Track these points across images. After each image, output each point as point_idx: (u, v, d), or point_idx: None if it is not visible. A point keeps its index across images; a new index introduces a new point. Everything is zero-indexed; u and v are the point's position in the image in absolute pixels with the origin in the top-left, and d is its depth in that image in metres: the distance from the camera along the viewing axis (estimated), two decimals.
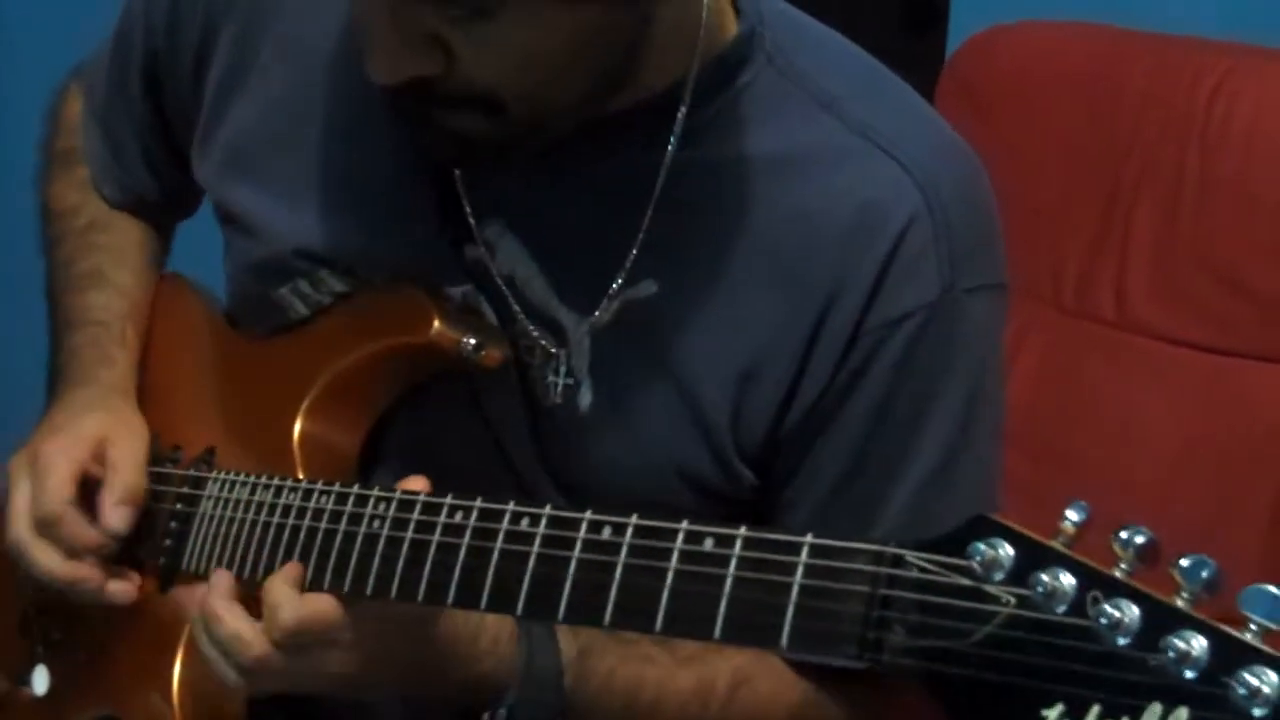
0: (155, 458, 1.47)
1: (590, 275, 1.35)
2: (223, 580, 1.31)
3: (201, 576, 1.37)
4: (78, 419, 1.47)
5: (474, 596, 1.20)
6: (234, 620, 1.28)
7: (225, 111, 1.47)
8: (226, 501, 1.39)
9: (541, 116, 1.27)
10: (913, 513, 1.33)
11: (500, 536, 1.20)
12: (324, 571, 1.28)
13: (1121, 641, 0.95)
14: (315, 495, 1.31)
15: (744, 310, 1.33)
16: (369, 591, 1.26)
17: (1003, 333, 1.40)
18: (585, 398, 1.36)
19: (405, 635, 1.27)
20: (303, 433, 1.40)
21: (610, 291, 1.35)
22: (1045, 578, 0.97)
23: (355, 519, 1.28)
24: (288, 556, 1.31)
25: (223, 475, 1.41)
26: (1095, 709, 0.95)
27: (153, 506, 1.45)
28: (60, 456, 1.43)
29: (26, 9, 2.80)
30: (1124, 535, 0.97)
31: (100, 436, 1.45)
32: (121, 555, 1.44)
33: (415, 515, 1.24)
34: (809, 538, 1.07)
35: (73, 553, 1.42)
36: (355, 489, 1.29)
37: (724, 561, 1.10)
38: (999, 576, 0.99)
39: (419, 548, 1.23)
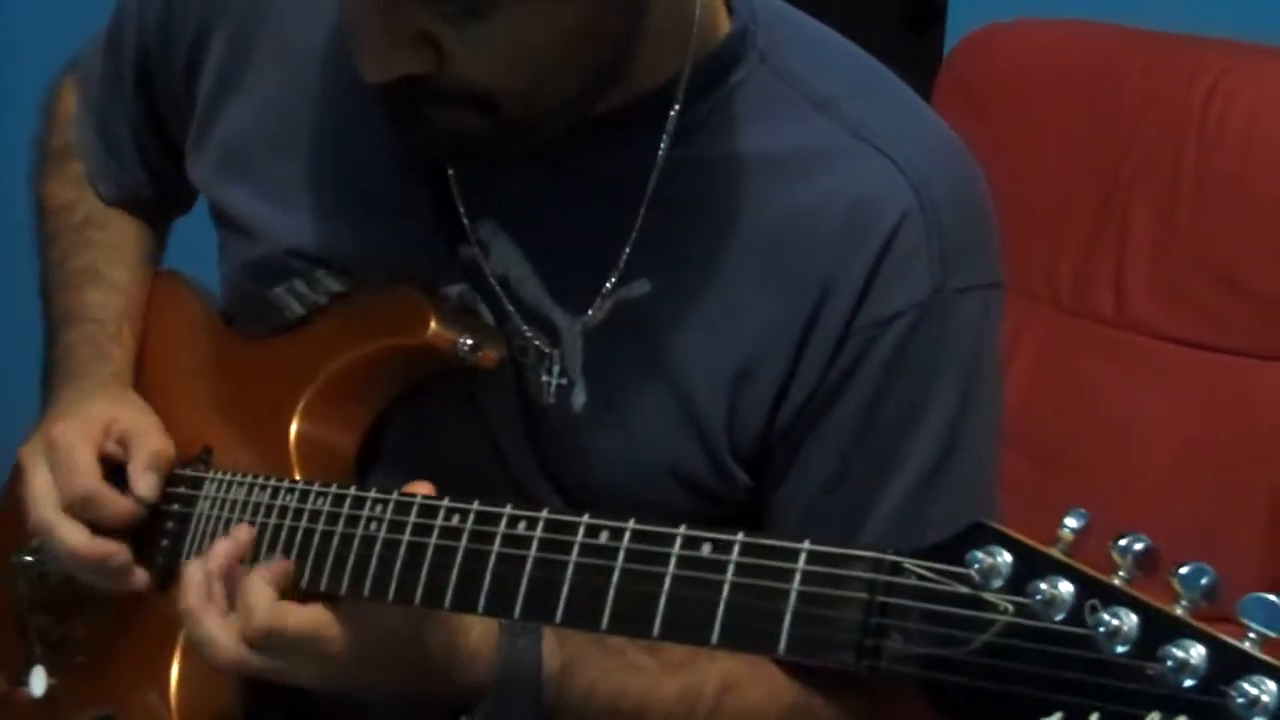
0: None
1: (583, 274, 1.35)
2: (195, 575, 1.31)
3: None
4: (83, 404, 1.47)
5: (472, 599, 1.20)
6: (209, 623, 1.28)
7: (219, 112, 1.46)
8: (223, 502, 1.39)
9: (534, 114, 1.27)
10: (906, 513, 1.33)
11: (497, 540, 1.20)
12: (321, 573, 1.28)
13: (1120, 650, 0.95)
14: (312, 496, 1.31)
15: (737, 309, 1.33)
16: (366, 593, 1.26)
17: (999, 332, 1.39)
18: (579, 397, 1.36)
19: (382, 647, 1.27)
20: (299, 433, 1.40)
21: (603, 291, 1.34)
22: (1044, 586, 0.97)
23: (352, 520, 1.28)
24: (284, 558, 1.31)
25: (220, 475, 1.41)
26: (1094, 718, 0.95)
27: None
28: (79, 438, 1.43)
29: (26, 9, 2.79)
30: (1123, 542, 0.97)
31: (110, 417, 1.45)
32: None
33: (412, 518, 1.24)
34: (807, 544, 1.07)
35: (101, 530, 1.42)
36: (352, 490, 1.29)
37: (721, 567, 1.10)
38: (997, 584, 0.99)
39: (416, 550, 1.23)
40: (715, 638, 1.09)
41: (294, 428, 1.40)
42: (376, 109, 1.31)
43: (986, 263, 1.37)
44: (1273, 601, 0.93)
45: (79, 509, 1.42)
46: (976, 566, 0.99)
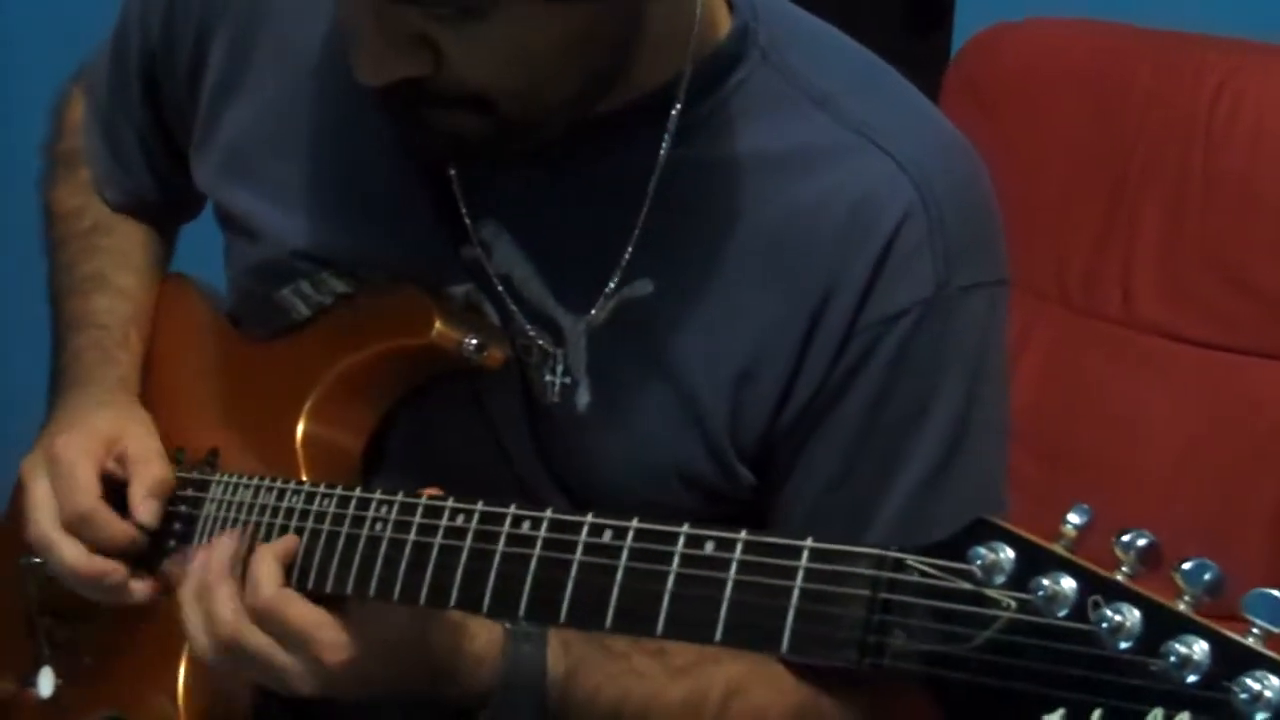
0: None
1: (586, 274, 1.35)
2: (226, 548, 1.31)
3: None
4: (89, 417, 1.47)
5: (476, 599, 1.20)
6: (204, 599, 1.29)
7: (222, 114, 1.46)
8: (230, 504, 1.39)
9: (533, 114, 1.27)
10: (911, 512, 1.33)
11: (502, 539, 1.20)
12: (326, 574, 1.28)
13: (1123, 646, 0.95)
14: (318, 497, 1.31)
15: (740, 309, 1.33)
16: (371, 594, 1.26)
17: (1005, 329, 1.39)
18: (583, 397, 1.36)
19: (386, 652, 1.27)
20: (306, 434, 1.40)
21: (606, 291, 1.34)
22: (1046, 582, 0.97)
23: (358, 521, 1.28)
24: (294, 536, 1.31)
25: (226, 477, 1.41)
26: (1096, 714, 0.95)
27: None
28: (81, 454, 1.43)
29: (26, 9, 2.80)
30: (1126, 538, 0.97)
31: (114, 434, 1.45)
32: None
33: (417, 518, 1.24)
34: (809, 541, 1.07)
35: (98, 549, 1.42)
36: (358, 491, 1.29)
37: (725, 565, 1.10)
38: (1000, 580, 0.99)
39: (421, 550, 1.23)
40: (719, 636, 1.09)
41: (300, 429, 1.40)
42: (375, 109, 1.31)
43: (991, 259, 1.36)
44: (1276, 597, 0.93)
45: (77, 527, 1.42)
46: (979, 563, 0.99)
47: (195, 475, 1.44)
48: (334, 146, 1.42)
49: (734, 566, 1.09)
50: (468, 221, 1.37)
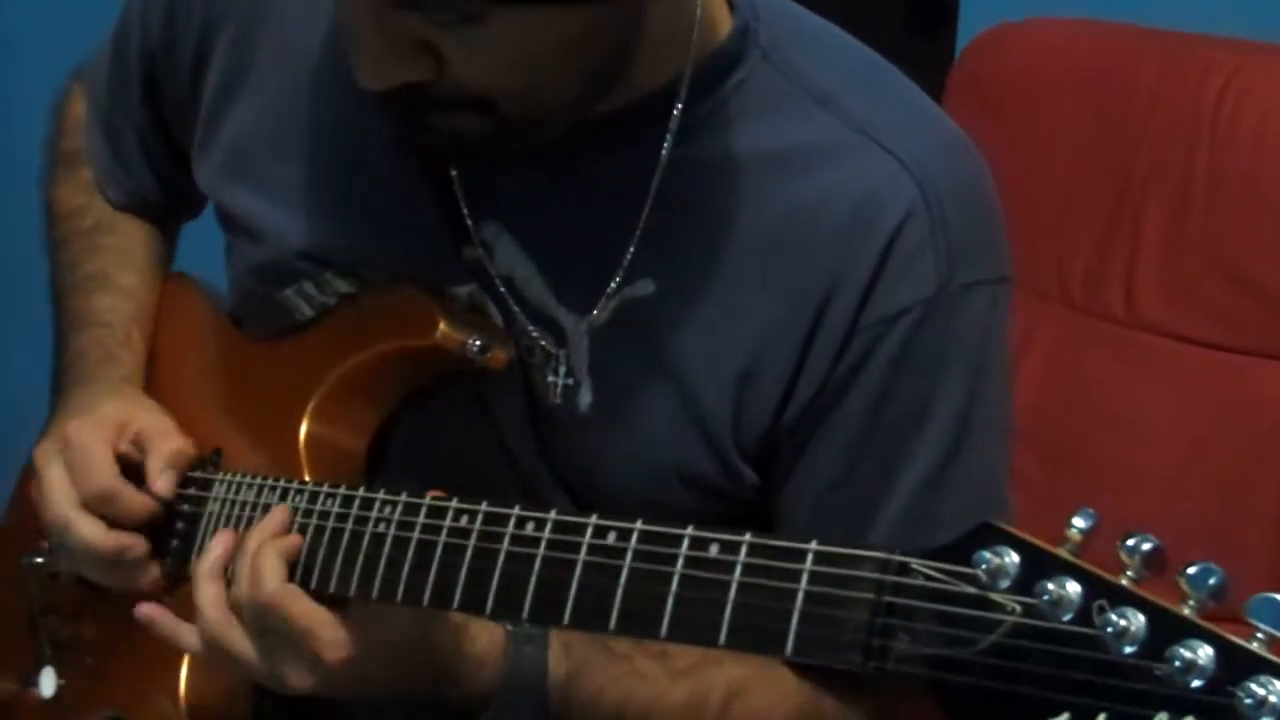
0: None
1: (588, 275, 1.35)
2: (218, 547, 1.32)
3: None
4: (96, 405, 1.47)
5: (480, 600, 1.20)
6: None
7: (224, 114, 1.46)
8: (233, 503, 1.39)
9: (533, 115, 1.27)
10: (914, 511, 1.33)
11: (506, 540, 1.20)
12: (329, 574, 1.28)
13: (1127, 650, 0.95)
14: (321, 497, 1.31)
15: (742, 308, 1.32)
16: (375, 594, 1.26)
17: (1008, 328, 1.38)
18: (585, 398, 1.36)
19: (388, 653, 1.27)
20: (309, 434, 1.40)
21: (608, 291, 1.34)
22: (1051, 586, 0.97)
23: (361, 521, 1.28)
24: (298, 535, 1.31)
25: (230, 477, 1.41)
26: (1101, 718, 0.94)
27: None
28: (95, 437, 1.44)
29: (26, 9, 2.80)
30: (1131, 543, 0.97)
31: (124, 418, 1.46)
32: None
33: (421, 518, 1.24)
34: (814, 544, 1.07)
35: (115, 526, 1.42)
36: (361, 491, 1.29)
37: (729, 568, 1.09)
38: (1004, 584, 0.99)
39: (425, 551, 1.23)
40: (723, 638, 1.09)
41: (304, 429, 1.40)
42: (376, 111, 1.31)
43: (993, 257, 1.36)
44: None
45: (96, 505, 1.42)
46: (984, 567, 0.99)
47: (199, 475, 1.44)
48: (335, 147, 1.42)
49: (738, 569, 1.09)
50: (469, 222, 1.37)
